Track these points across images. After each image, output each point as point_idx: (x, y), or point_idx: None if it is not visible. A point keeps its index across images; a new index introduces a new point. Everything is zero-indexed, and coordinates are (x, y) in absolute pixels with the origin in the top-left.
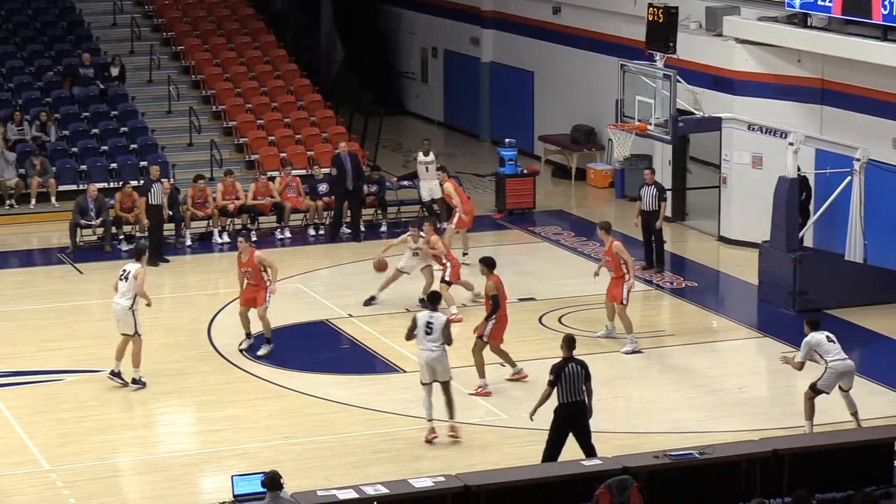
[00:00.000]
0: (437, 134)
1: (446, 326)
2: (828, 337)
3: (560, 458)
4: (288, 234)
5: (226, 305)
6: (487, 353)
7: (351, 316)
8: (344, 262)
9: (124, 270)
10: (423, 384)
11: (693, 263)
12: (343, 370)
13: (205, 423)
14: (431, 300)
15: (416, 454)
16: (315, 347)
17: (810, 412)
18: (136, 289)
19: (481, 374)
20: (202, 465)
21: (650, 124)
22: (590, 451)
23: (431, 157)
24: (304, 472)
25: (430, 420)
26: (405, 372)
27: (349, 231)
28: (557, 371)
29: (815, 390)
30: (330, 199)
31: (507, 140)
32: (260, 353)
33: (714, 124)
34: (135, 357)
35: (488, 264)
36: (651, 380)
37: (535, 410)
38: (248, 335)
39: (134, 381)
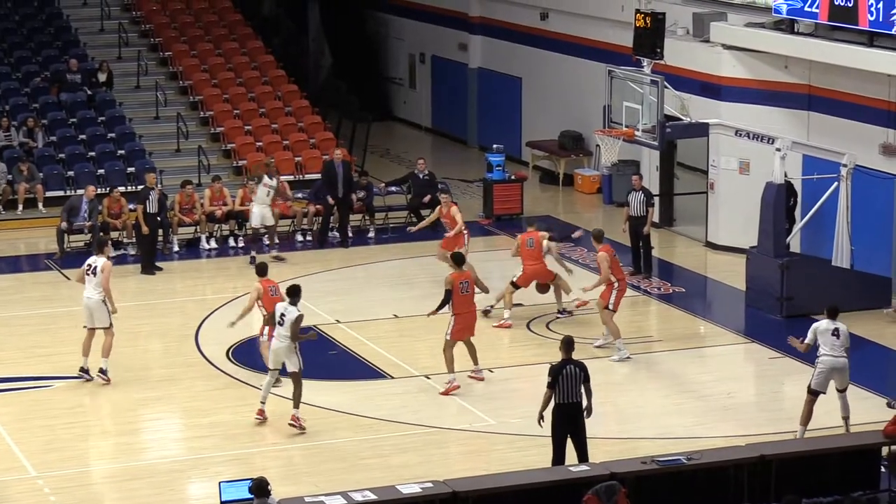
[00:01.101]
0: (424, 140)
1: (295, 322)
2: (835, 330)
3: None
4: (276, 241)
5: (213, 312)
6: (459, 349)
7: (339, 322)
8: (332, 267)
9: (90, 265)
10: (269, 369)
11: (680, 269)
12: (331, 376)
13: (192, 429)
14: (290, 294)
15: (404, 460)
16: (303, 353)
17: (806, 417)
18: (103, 284)
19: (450, 370)
20: (189, 471)
21: (638, 130)
22: (583, 456)
23: (276, 181)
24: (291, 479)
25: (263, 402)
26: (393, 378)
27: (337, 235)
28: (555, 373)
29: (811, 392)
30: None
31: (494, 146)
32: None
33: (701, 130)
34: (105, 349)
35: (456, 260)
36: (639, 385)
37: (540, 415)
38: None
39: (101, 371)
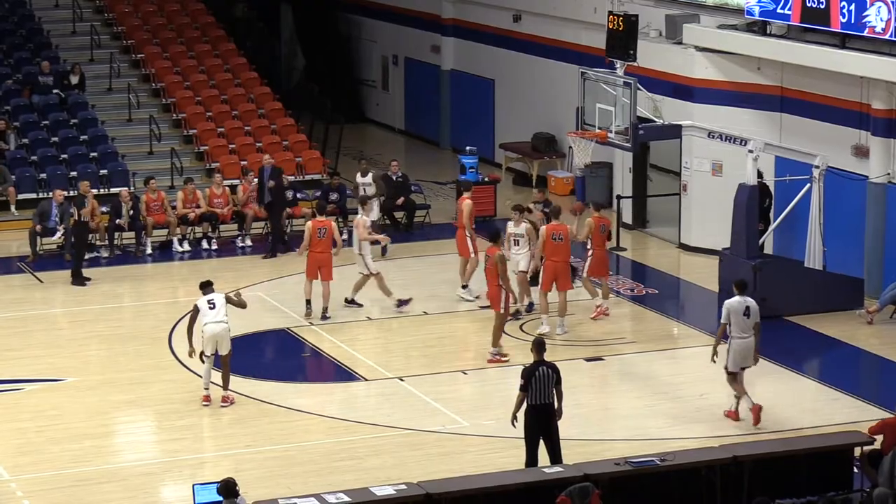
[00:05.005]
0: (397, 142)
1: (229, 301)
2: (747, 309)
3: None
4: (249, 243)
5: (186, 314)
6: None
7: (312, 324)
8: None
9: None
10: (206, 356)
11: (654, 271)
12: (304, 378)
13: (165, 431)
14: (203, 287)
15: (378, 462)
16: (276, 356)
17: (741, 389)
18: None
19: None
20: (163, 474)
21: (611, 132)
22: (556, 457)
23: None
24: (265, 481)
25: (207, 388)
26: (366, 380)
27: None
28: (528, 375)
29: (728, 372)
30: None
31: (467, 148)
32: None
33: (674, 132)
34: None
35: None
36: (612, 387)
37: (514, 416)
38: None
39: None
